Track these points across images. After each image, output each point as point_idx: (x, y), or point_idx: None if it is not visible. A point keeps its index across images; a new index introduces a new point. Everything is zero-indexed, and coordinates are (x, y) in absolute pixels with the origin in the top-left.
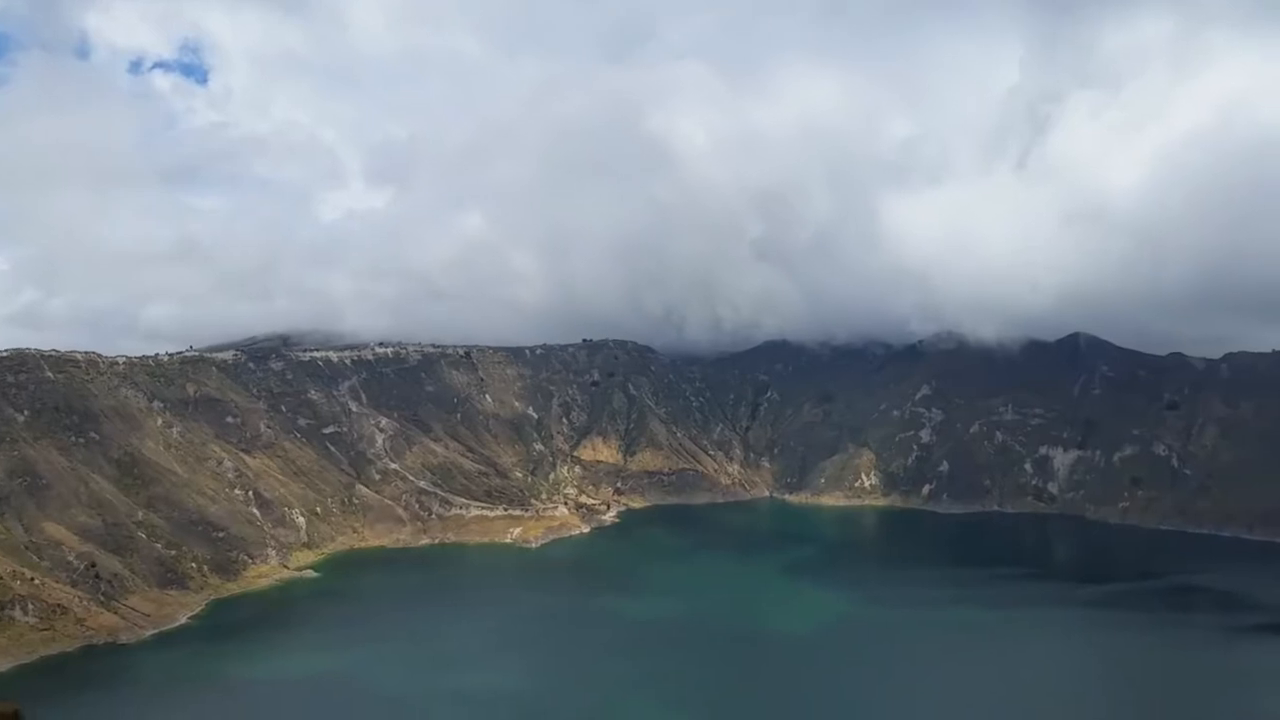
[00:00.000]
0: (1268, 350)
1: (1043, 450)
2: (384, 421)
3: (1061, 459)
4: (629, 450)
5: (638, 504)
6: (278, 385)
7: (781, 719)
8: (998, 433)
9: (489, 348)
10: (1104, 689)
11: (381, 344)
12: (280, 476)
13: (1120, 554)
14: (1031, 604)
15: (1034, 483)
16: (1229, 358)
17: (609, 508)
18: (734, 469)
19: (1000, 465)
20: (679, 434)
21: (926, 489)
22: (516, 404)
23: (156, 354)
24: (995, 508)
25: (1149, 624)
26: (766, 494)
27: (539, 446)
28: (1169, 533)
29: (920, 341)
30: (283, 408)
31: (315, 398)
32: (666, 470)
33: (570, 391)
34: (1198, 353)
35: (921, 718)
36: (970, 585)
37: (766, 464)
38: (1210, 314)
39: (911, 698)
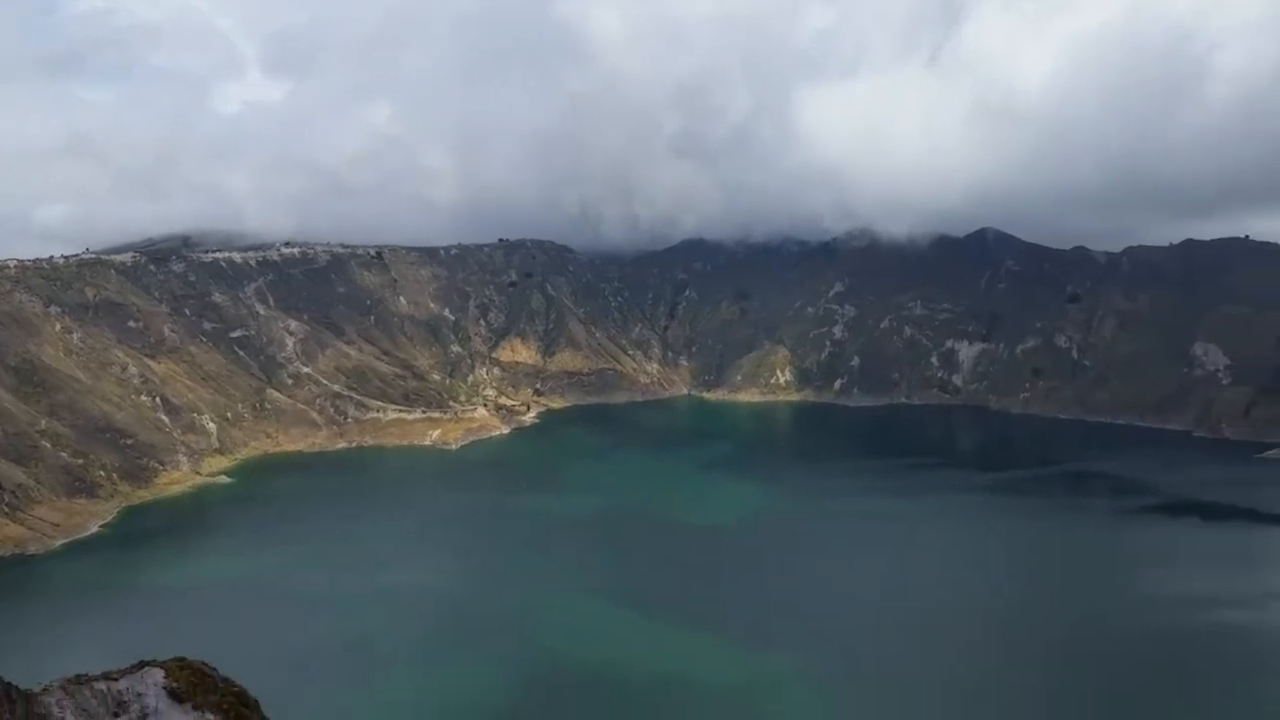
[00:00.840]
0: (1166, 244)
1: (949, 344)
2: (294, 324)
3: (967, 352)
4: (548, 351)
5: (557, 404)
6: (180, 288)
7: (703, 606)
8: (907, 327)
9: (401, 248)
10: (1006, 569)
11: (288, 244)
12: (188, 381)
13: (1021, 442)
14: (937, 491)
15: (940, 375)
16: (1129, 251)
17: (529, 409)
18: (653, 368)
19: (909, 359)
20: (598, 334)
21: (838, 383)
22: (432, 305)
23: (51, 257)
24: (903, 400)
25: (1047, 508)
26: (685, 392)
27: (456, 348)
28: (1067, 421)
29: (834, 239)
30: (186, 311)
31: (220, 300)
32: (586, 370)
33: (487, 292)
34: (1101, 247)
35: (836, 600)
36: (879, 475)
37: (685, 362)
38: (1114, 208)
39: (826, 582)
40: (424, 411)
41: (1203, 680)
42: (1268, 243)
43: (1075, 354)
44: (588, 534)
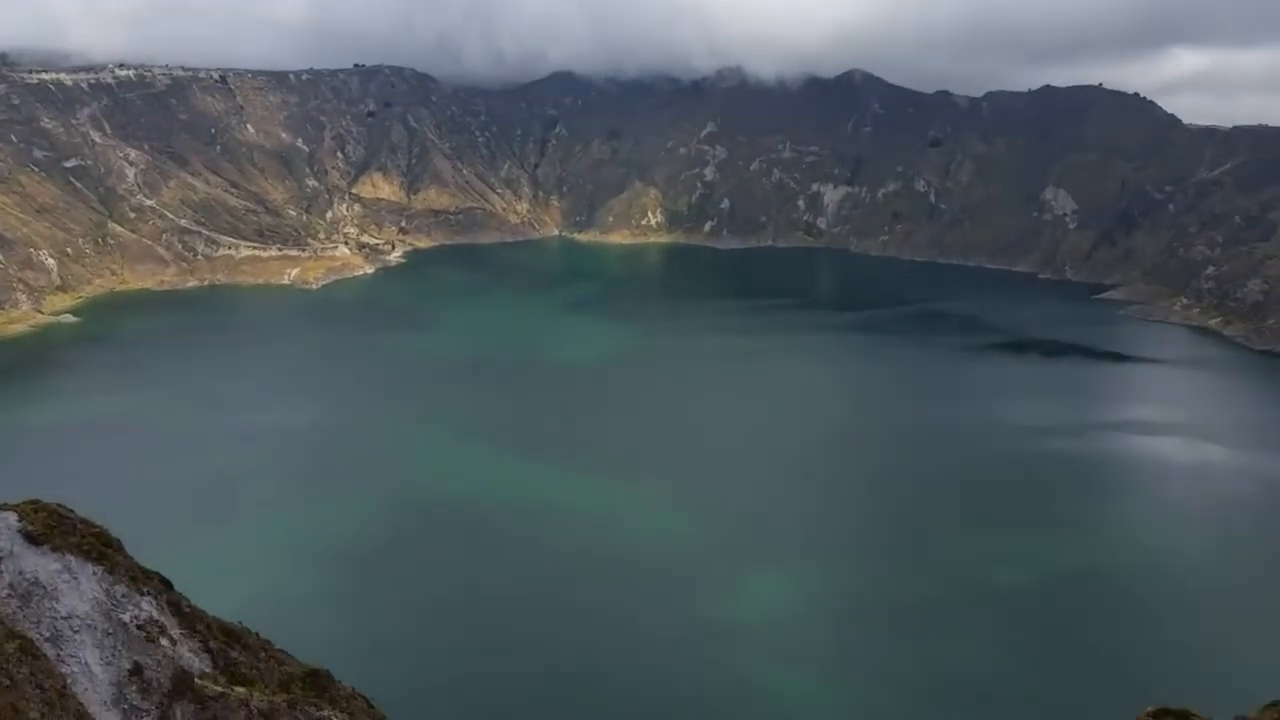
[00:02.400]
0: (1025, 90)
1: (815, 187)
2: (134, 154)
3: (832, 195)
4: (412, 188)
5: (424, 244)
6: (3, 111)
7: (571, 441)
8: (776, 170)
9: (248, 71)
10: (860, 403)
11: (121, 65)
12: (20, 214)
13: (879, 284)
14: (798, 331)
15: (806, 218)
16: (990, 96)
17: (394, 247)
18: (523, 207)
19: (777, 202)
20: (465, 171)
21: (708, 225)
22: (283, 135)
23: None
24: (770, 243)
25: (901, 346)
26: (555, 233)
27: (312, 182)
28: (922, 263)
29: (704, 79)
30: (13, 137)
31: (50, 126)
32: (453, 209)
33: (344, 122)
34: (963, 91)
35: (700, 433)
36: (744, 315)
37: (555, 202)
38: (977, 52)
39: (691, 417)
40: (280, 249)
41: (1034, 499)
42: (1120, 92)
43: (933, 198)
44: (457, 374)
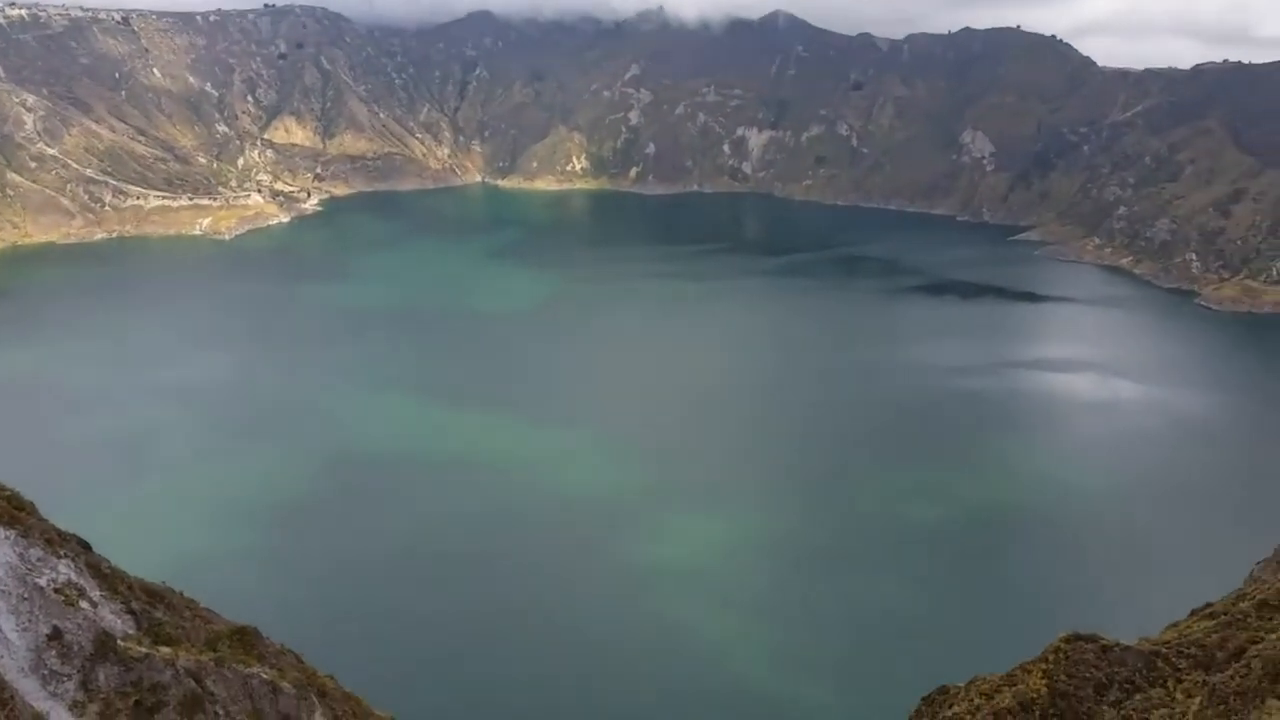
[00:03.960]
0: (945, 32)
1: (740, 131)
2: (30, 99)
3: (756, 139)
4: (327, 133)
5: (341, 191)
6: None
7: (498, 390)
8: (700, 114)
9: (151, 12)
10: (786, 345)
11: (12, 4)
12: None
13: (803, 228)
14: (725, 276)
15: (731, 163)
16: (910, 39)
17: (310, 195)
18: (443, 153)
19: (702, 146)
20: (382, 115)
21: (634, 171)
22: (191, 79)
23: None
24: (696, 188)
25: (825, 288)
26: (478, 179)
27: (222, 128)
28: (845, 207)
29: (626, 20)
30: None
31: None
32: (371, 154)
33: (254, 65)
34: (884, 33)
35: (626, 380)
36: (670, 261)
37: (477, 147)
38: None
39: (617, 363)
40: (191, 198)
41: (951, 437)
42: (1037, 34)
43: (855, 141)
44: (378, 324)
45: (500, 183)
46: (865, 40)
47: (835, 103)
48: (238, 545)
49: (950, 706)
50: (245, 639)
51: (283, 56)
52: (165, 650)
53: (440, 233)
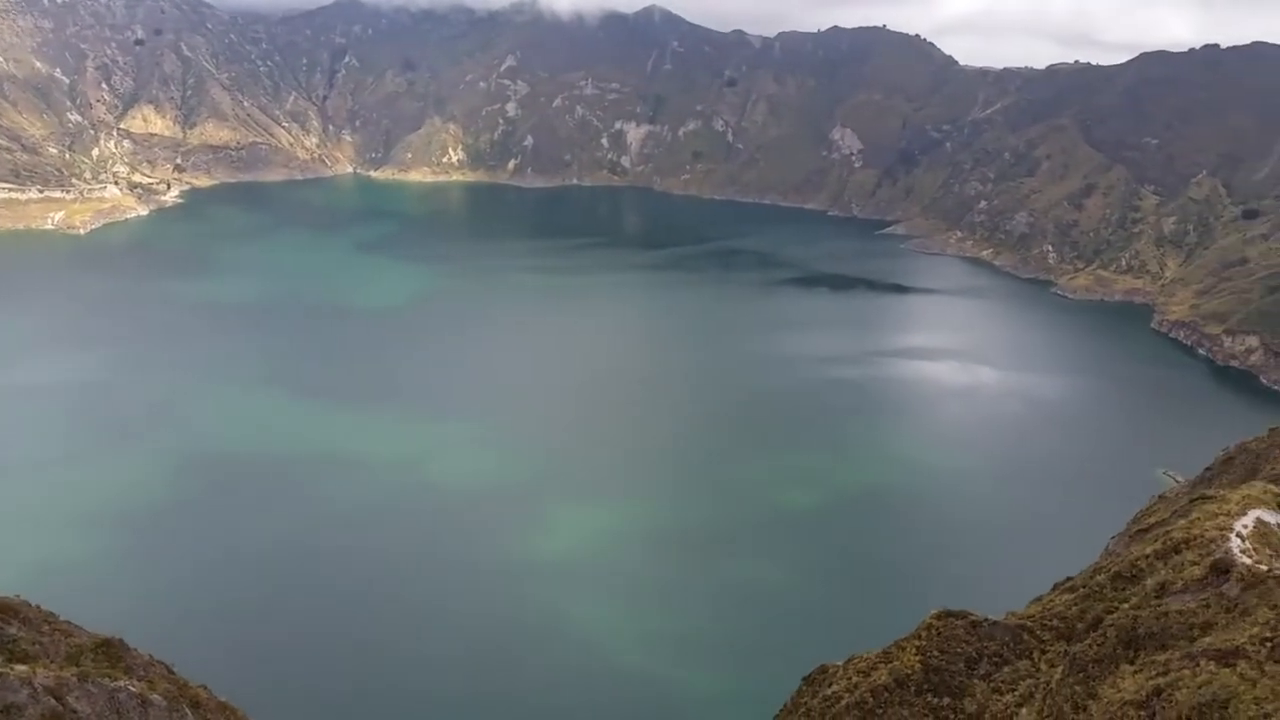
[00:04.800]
0: (814, 30)
1: (618, 125)
2: None
3: (635, 133)
4: (188, 122)
5: (204, 182)
6: None
7: (373, 387)
8: (578, 107)
9: None
10: (664, 338)
11: None
12: None
13: (681, 222)
14: (606, 269)
15: (610, 156)
16: (781, 37)
17: (170, 187)
18: (312, 143)
19: (580, 140)
20: (246, 103)
21: (512, 164)
22: (38, 64)
23: None
24: (574, 181)
25: (703, 281)
26: (349, 170)
27: (74, 117)
28: (722, 202)
29: (500, 10)
30: None
31: None
32: (235, 144)
33: (109, 51)
34: (756, 30)
35: (505, 374)
36: (551, 255)
37: (348, 137)
38: None
39: (496, 358)
40: (41, 190)
41: (822, 424)
42: (902, 33)
43: (730, 137)
44: (246, 320)
45: (373, 174)
46: (739, 37)
47: (710, 99)
48: (98, 554)
49: (829, 685)
50: (110, 651)
51: (140, 43)
52: (21, 668)
53: (309, 225)
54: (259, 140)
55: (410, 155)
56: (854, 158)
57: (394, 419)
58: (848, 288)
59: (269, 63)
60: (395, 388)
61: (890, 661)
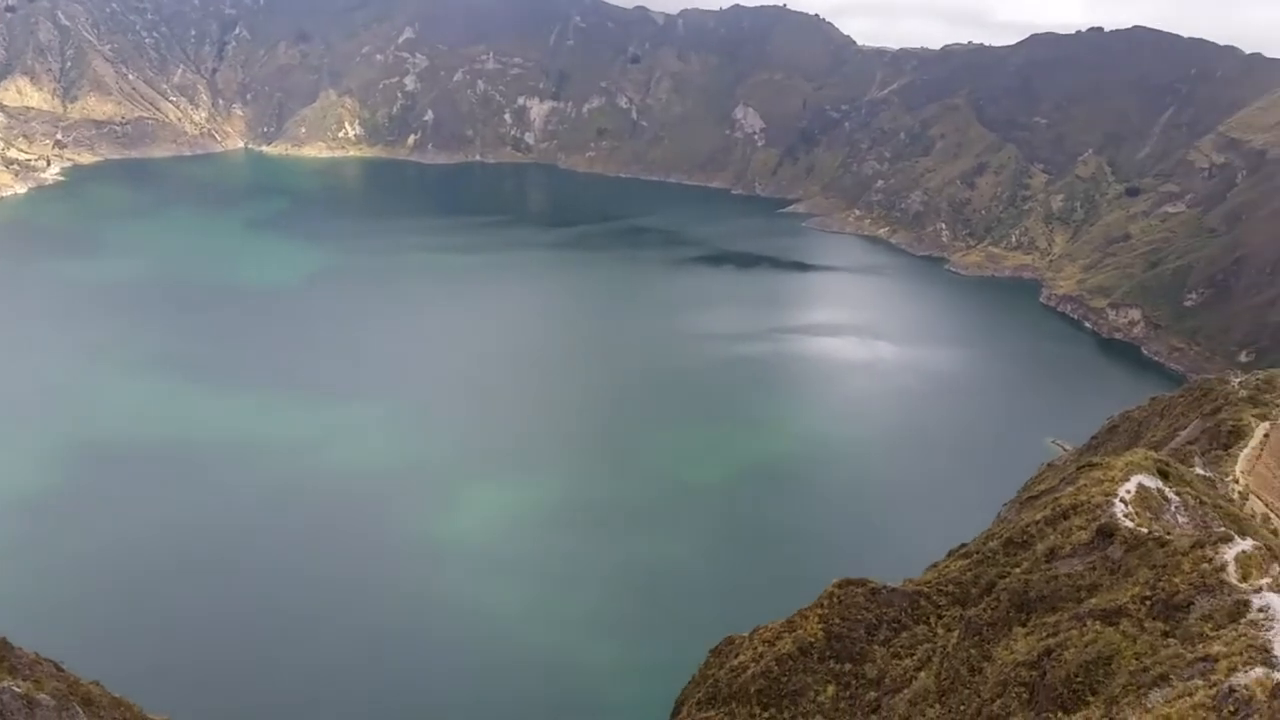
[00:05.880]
0: (717, 8)
1: (521, 101)
2: None
3: (538, 110)
4: (68, 95)
5: (86, 159)
6: None
7: (269, 368)
8: (480, 82)
9: None
10: (570, 317)
11: None
12: None
13: (586, 199)
14: (511, 247)
15: (513, 133)
16: (684, 14)
17: (49, 163)
18: (201, 117)
19: (483, 115)
20: (131, 76)
21: (412, 139)
22: None
23: None
24: (477, 158)
25: (610, 260)
26: (241, 145)
27: None
28: (627, 180)
29: None
30: None
31: None
32: (119, 119)
33: None
34: (659, 7)
35: (411, 353)
36: (454, 233)
37: (239, 111)
38: None
39: (400, 336)
40: None
41: (728, 400)
42: (802, 13)
43: (635, 115)
44: (133, 301)
45: (266, 149)
46: (641, 14)
47: (614, 75)
48: None
49: (736, 655)
50: None
51: (10, 9)
52: None
53: (199, 203)
54: (145, 115)
55: (304, 130)
56: (756, 136)
57: (293, 401)
58: (752, 265)
59: (155, 34)
60: (293, 369)
61: (794, 630)
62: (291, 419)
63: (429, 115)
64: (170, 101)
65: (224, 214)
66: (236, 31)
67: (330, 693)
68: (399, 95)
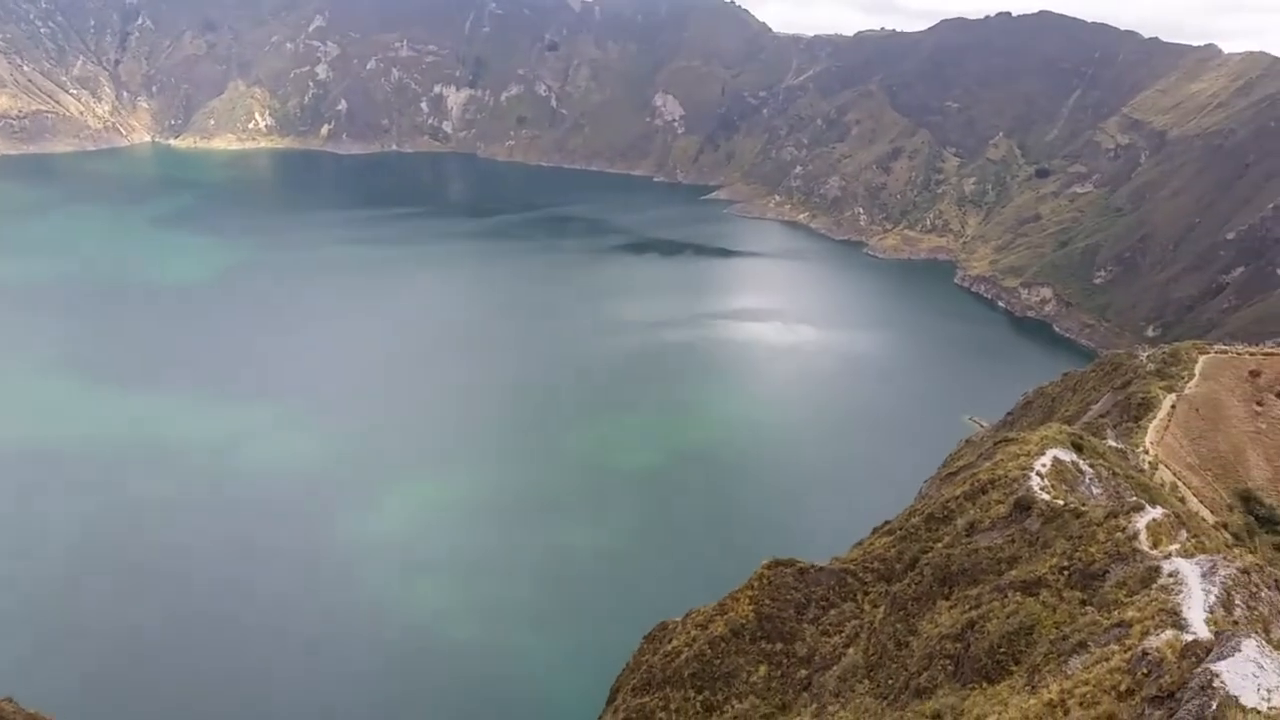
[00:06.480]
0: None
1: (437, 89)
2: None
3: (455, 98)
4: None
5: None
6: None
7: (175, 369)
8: (395, 70)
9: None
10: (492, 307)
11: None
12: None
13: (507, 189)
14: (430, 239)
15: (430, 122)
16: (601, 1)
17: None
18: (104, 110)
19: (398, 104)
20: (26, 68)
21: (325, 129)
22: None
23: None
24: (394, 147)
25: (533, 249)
26: (148, 139)
27: None
28: (548, 168)
29: None
30: None
31: None
32: (15, 113)
33: None
34: None
35: (328, 349)
36: (371, 225)
37: (144, 104)
38: None
39: (316, 332)
40: None
41: (654, 387)
42: (718, 0)
43: (554, 103)
44: (33, 302)
45: (173, 142)
46: (558, 0)
47: (532, 63)
48: None
49: (670, 640)
50: None
51: None
52: None
53: (102, 199)
54: (43, 109)
55: (213, 122)
56: (676, 124)
57: (204, 402)
58: (676, 253)
59: (50, 24)
60: (204, 370)
61: (726, 613)
62: (203, 420)
63: (342, 105)
64: (70, 94)
65: (130, 210)
66: (139, 21)
67: (249, 700)
68: (311, 85)
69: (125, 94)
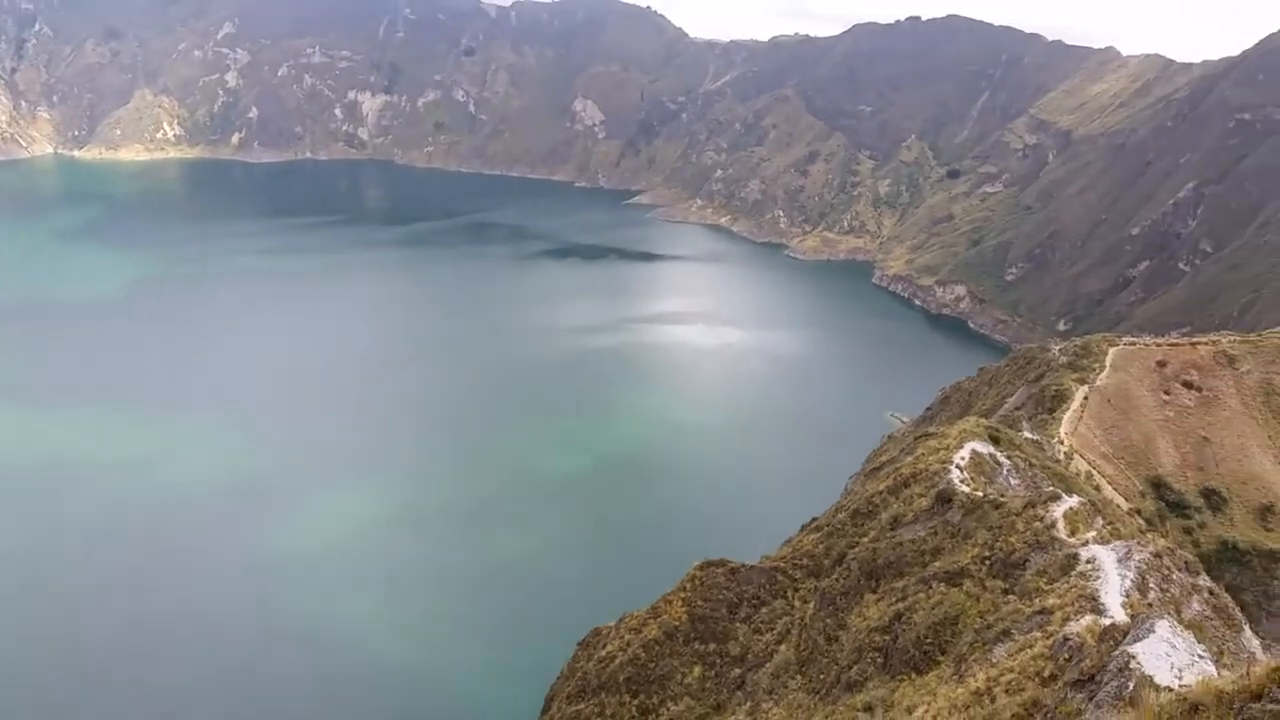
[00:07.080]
0: (550, 0)
1: (352, 95)
2: None
3: (370, 104)
4: None
5: None
6: None
7: (86, 385)
8: (307, 76)
9: None
10: (413, 316)
11: None
12: None
13: (426, 196)
14: (347, 248)
15: (345, 128)
16: (517, 6)
17: None
18: (1, 120)
19: (311, 111)
20: None
21: (236, 138)
22: None
23: None
24: (308, 155)
25: (454, 257)
26: (50, 150)
27: None
28: (468, 174)
29: None
30: None
31: None
32: None
33: None
34: (492, 0)
35: (244, 363)
36: (285, 235)
37: (45, 114)
38: None
39: (231, 346)
40: None
41: (581, 392)
42: (634, 4)
43: (473, 108)
44: None
45: (77, 154)
46: (473, 5)
47: (449, 68)
48: None
49: (603, 646)
50: None
51: None
52: None
53: (1, 213)
54: None
55: (119, 132)
56: (597, 129)
57: (118, 419)
58: (599, 257)
59: None
60: (114, 385)
61: (659, 616)
62: (118, 437)
63: (253, 112)
64: None
65: (31, 223)
66: (36, 28)
67: None
68: (220, 92)
69: (24, 103)
